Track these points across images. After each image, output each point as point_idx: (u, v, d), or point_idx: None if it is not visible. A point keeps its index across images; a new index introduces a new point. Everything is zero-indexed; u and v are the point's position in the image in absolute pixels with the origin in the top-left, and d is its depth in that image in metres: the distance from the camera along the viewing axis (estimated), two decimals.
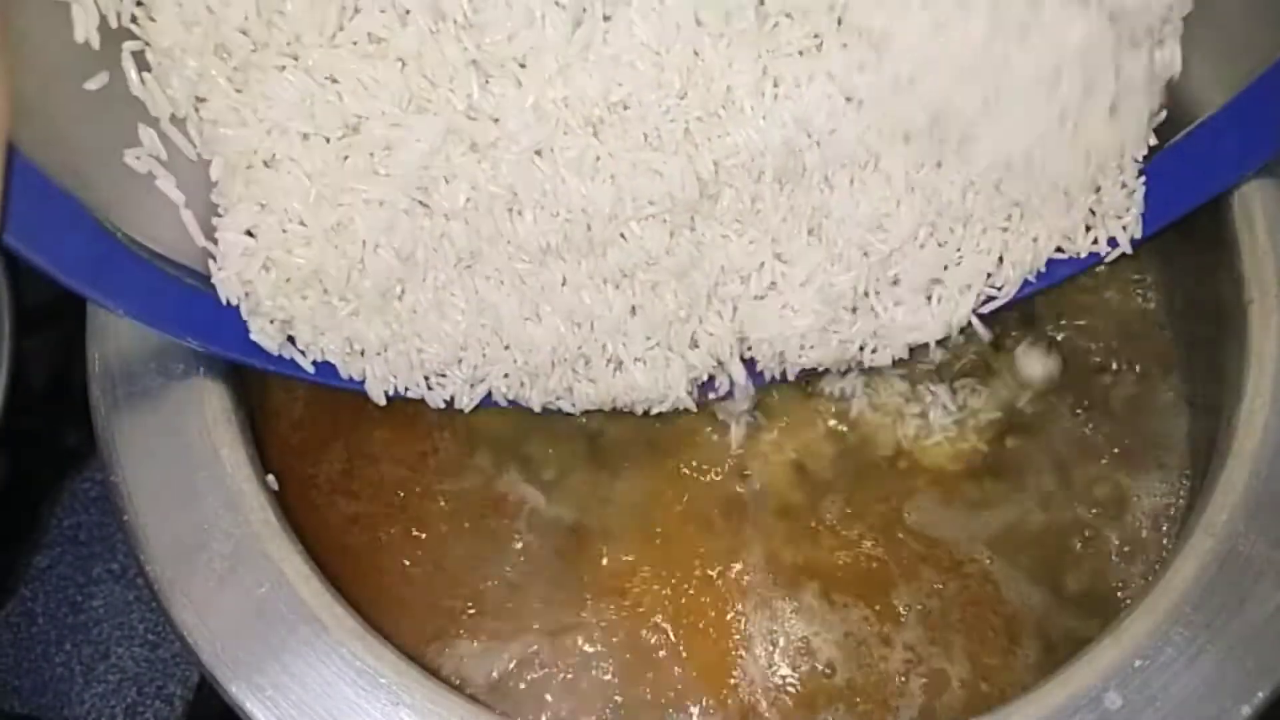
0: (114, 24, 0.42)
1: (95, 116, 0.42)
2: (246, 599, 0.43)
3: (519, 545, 0.51)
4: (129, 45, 0.43)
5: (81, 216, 0.42)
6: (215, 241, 0.45)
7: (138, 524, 0.45)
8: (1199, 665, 0.42)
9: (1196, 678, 0.41)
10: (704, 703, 0.48)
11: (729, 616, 0.49)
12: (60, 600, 0.62)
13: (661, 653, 0.49)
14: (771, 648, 0.49)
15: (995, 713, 0.43)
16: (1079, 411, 0.54)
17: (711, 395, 0.50)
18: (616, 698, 0.48)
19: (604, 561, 0.51)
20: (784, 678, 0.48)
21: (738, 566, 0.50)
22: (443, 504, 0.52)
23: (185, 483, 0.45)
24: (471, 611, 0.50)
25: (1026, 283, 0.49)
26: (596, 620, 0.49)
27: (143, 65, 0.43)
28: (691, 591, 0.50)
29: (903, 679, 0.48)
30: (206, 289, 0.46)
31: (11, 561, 0.62)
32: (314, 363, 0.48)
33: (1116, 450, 0.53)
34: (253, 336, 0.46)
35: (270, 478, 0.47)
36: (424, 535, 0.51)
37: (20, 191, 0.39)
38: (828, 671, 0.48)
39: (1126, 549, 0.51)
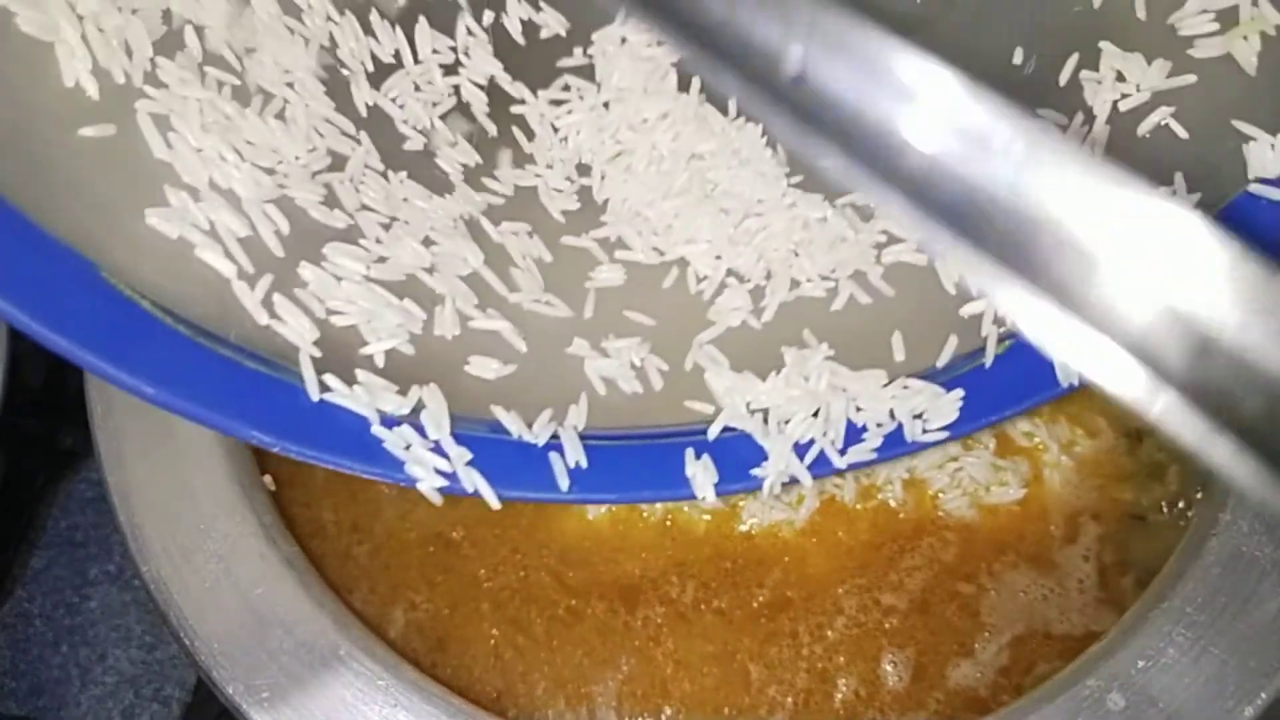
0: (119, 80, 0.37)
1: (101, 166, 0.37)
2: (243, 600, 0.43)
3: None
4: (146, 105, 0.38)
5: (90, 276, 0.35)
6: (281, 319, 0.38)
7: (134, 525, 0.44)
8: (1202, 666, 0.41)
9: (1199, 679, 0.41)
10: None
11: None
12: (57, 602, 0.62)
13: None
14: None
15: (997, 714, 0.43)
16: None
17: None
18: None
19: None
20: None
21: None
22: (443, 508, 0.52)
23: (182, 484, 0.45)
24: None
25: None
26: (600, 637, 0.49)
27: (167, 127, 0.38)
28: None
29: None
30: (279, 373, 0.38)
31: (8, 563, 0.62)
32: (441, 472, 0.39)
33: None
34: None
35: (267, 478, 0.47)
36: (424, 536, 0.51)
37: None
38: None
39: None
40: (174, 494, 0.45)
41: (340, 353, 0.39)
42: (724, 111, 0.46)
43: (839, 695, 0.47)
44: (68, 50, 0.36)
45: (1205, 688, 0.41)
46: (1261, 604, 0.42)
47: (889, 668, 0.48)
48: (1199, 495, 0.49)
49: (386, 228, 0.41)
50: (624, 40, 0.47)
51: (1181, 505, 0.50)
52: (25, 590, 0.62)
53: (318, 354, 0.38)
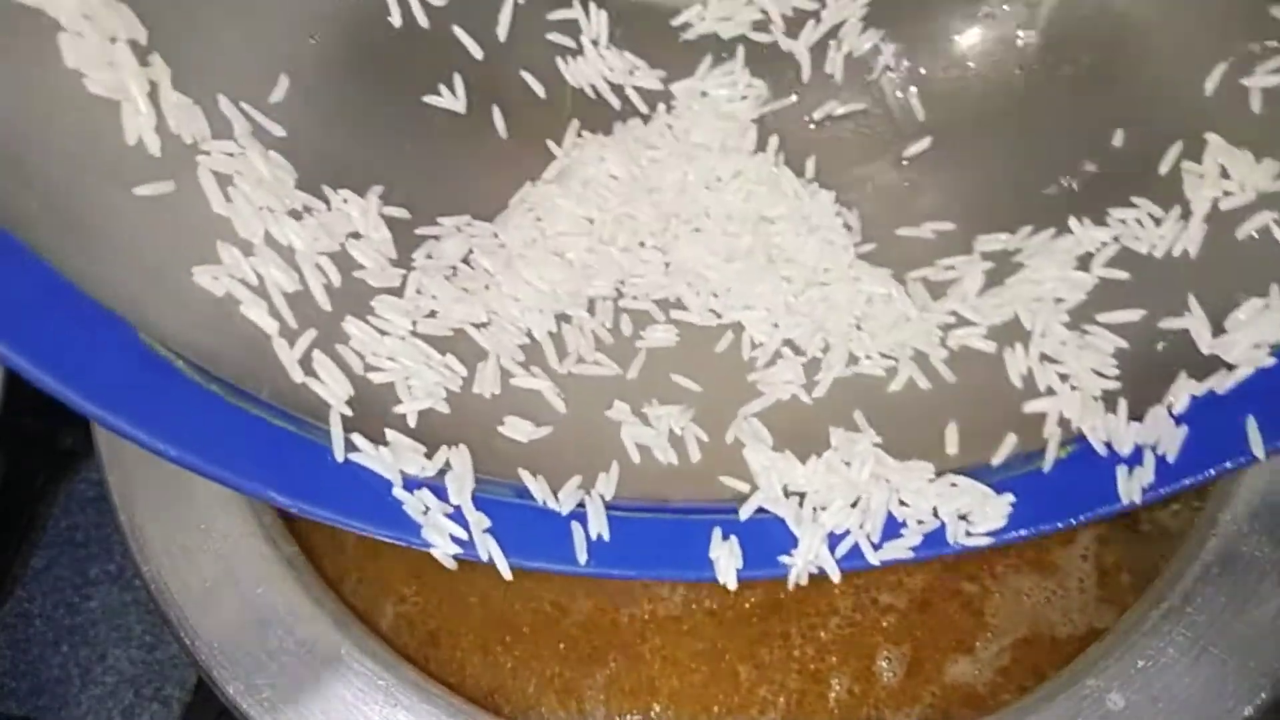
0: (188, 141, 0.36)
1: (151, 226, 0.36)
2: (243, 600, 0.43)
3: None
4: (208, 163, 0.37)
5: (124, 336, 0.34)
6: (317, 376, 0.37)
7: (134, 525, 0.44)
8: (1201, 666, 0.41)
9: (1199, 678, 0.41)
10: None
11: None
12: (57, 602, 0.62)
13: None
14: None
15: (997, 714, 0.43)
16: None
17: None
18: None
19: None
20: None
21: None
22: None
23: (182, 483, 0.45)
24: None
25: None
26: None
27: (228, 182, 0.37)
28: None
29: None
30: (306, 432, 0.37)
31: (8, 563, 0.62)
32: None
33: None
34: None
35: None
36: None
37: (29, 299, 0.32)
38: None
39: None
40: (174, 494, 0.45)
41: (372, 410, 0.37)
42: (800, 174, 0.44)
43: (833, 695, 0.47)
44: (133, 109, 0.35)
45: (1205, 688, 0.41)
46: (1261, 604, 0.42)
47: (883, 663, 0.47)
48: (1198, 496, 0.49)
49: (449, 279, 0.40)
50: (704, 94, 0.45)
51: (1181, 505, 0.50)
52: (25, 590, 0.62)
53: (349, 412, 0.37)
